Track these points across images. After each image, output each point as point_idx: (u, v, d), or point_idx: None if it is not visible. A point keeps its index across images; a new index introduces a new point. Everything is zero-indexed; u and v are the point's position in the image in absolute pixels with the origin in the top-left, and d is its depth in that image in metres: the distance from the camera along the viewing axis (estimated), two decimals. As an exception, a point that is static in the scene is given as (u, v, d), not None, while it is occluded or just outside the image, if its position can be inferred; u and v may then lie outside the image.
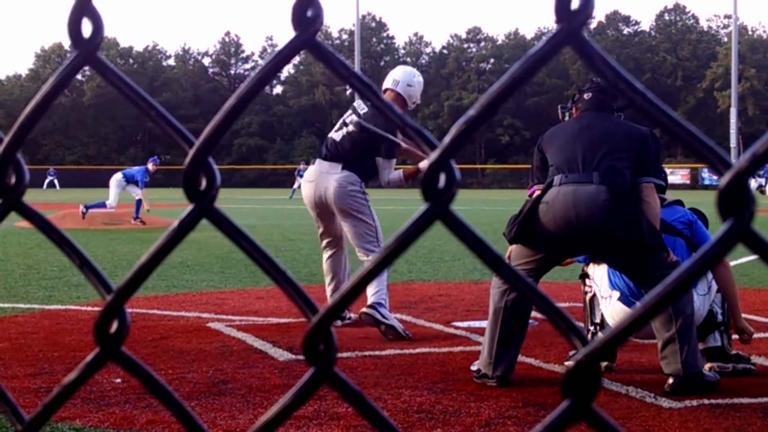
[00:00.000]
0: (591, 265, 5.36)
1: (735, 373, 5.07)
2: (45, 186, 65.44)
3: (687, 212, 5.43)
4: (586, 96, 5.24)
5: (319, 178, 6.75)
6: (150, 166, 20.24)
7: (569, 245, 4.89)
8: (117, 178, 20.18)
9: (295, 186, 43.96)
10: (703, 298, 5.08)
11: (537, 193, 4.99)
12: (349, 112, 6.89)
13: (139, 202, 20.08)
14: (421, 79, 7.02)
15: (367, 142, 6.62)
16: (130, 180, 20.11)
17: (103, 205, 19.95)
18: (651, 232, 4.72)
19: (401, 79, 6.87)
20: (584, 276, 5.41)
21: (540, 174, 5.14)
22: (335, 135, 6.85)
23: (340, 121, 6.94)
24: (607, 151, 4.88)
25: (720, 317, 5.17)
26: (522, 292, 0.58)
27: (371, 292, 6.40)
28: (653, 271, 4.76)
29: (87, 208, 19.86)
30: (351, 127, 6.64)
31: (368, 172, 6.79)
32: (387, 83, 6.96)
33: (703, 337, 5.11)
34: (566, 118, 5.50)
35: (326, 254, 7.07)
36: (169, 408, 0.71)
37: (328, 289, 6.97)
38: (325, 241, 7.02)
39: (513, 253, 5.12)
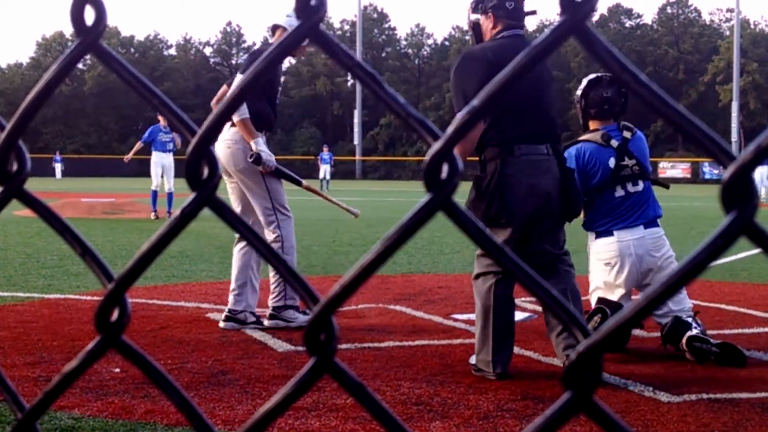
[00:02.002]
0: None
1: (723, 361, 5.08)
2: (59, 174, 63.68)
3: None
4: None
5: (218, 140, 6.26)
6: (161, 120, 18.36)
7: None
8: (152, 160, 18.73)
9: (322, 176, 40.26)
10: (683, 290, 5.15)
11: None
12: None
13: (170, 195, 18.56)
14: None
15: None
16: (160, 149, 18.40)
17: (154, 196, 18.92)
18: None
19: (287, 12, 6.39)
20: None
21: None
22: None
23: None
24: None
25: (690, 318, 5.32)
26: (523, 283, 0.58)
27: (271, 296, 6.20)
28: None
29: (154, 210, 18.87)
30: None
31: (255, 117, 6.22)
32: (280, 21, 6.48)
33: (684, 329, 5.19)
34: None
35: (239, 244, 6.48)
36: (169, 397, 0.71)
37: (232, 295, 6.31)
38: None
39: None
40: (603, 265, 5.49)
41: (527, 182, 4.77)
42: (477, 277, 4.95)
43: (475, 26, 5.04)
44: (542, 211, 4.82)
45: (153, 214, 18.87)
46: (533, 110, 4.83)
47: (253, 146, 6.12)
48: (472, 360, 5.00)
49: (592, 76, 5.70)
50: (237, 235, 6.31)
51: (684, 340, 5.15)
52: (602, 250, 5.50)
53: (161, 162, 18.58)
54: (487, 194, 4.75)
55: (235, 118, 6.04)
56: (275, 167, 6.30)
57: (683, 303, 5.43)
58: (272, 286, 6.24)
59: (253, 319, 6.20)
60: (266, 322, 6.20)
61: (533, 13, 5.05)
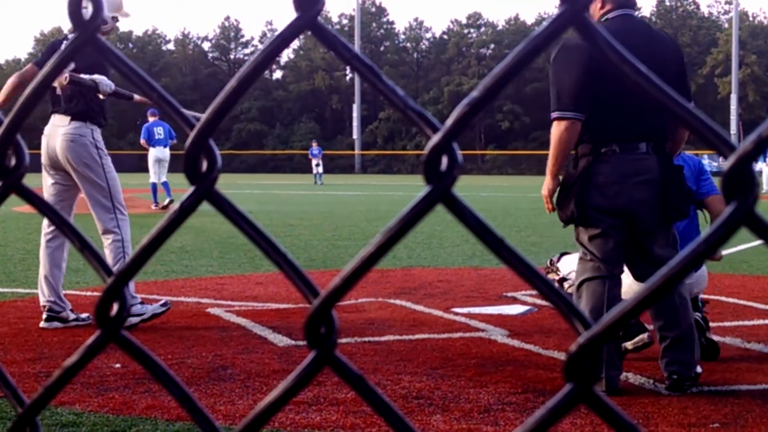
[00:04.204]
0: (561, 264, 5.41)
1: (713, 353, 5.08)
2: None
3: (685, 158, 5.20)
4: None
5: (49, 132, 6.20)
6: (150, 117, 19.49)
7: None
8: (152, 155, 19.49)
9: (316, 170, 42.28)
10: (704, 267, 5.11)
11: None
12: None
13: (166, 185, 19.30)
14: None
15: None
16: (157, 144, 19.26)
17: (154, 188, 19.48)
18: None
19: None
20: (562, 280, 5.42)
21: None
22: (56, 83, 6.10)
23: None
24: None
25: (699, 302, 5.25)
26: (524, 276, 0.58)
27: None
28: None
29: (156, 202, 19.39)
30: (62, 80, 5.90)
31: (94, 111, 6.16)
32: None
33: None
34: None
35: (47, 237, 6.23)
36: (170, 392, 0.71)
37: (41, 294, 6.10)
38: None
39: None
40: None
41: (616, 185, 4.44)
42: (582, 284, 4.58)
43: None
44: (637, 215, 4.47)
45: (154, 205, 19.25)
46: (634, 104, 4.39)
47: (87, 77, 5.96)
48: None
49: None
50: (47, 223, 6.09)
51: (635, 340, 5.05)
52: None
53: (159, 156, 19.09)
54: (572, 193, 4.51)
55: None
56: (114, 89, 6.16)
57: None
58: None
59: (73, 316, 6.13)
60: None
61: None
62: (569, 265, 5.33)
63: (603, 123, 4.45)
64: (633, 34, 4.46)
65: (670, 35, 4.99)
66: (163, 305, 6.06)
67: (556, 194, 4.71)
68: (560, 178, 4.66)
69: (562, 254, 5.58)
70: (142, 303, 6.08)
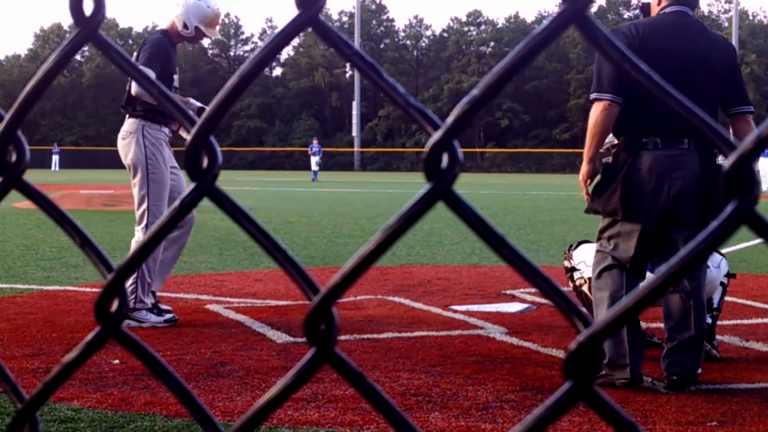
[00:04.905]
0: (575, 253, 5.37)
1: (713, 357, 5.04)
2: (56, 167, 63.27)
3: None
4: None
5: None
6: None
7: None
8: None
9: (314, 167, 43.11)
10: (716, 271, 5.09)
11: None
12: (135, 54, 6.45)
13: None
14: (194, 1, 6.37)
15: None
16: None
17: None
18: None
19: (176, 1, 6.39)
20: (571, 270, 5.39)
21: None
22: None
23: None
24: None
25: (716, 303, 5.17)
26: (525, 274, 0.58)
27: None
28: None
29: None
30: None
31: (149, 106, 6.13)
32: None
33: None
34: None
35: (139, 233, 6.33)
36: (169, 388, 0.71)
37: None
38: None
39: None
40: None
41: (656, 179, 4.41)
42: (600, 274, 4.59)
43: (644, 7, 4.74)
44: (674, 211, 4.45)
45: None
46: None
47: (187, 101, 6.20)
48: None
49: None
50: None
51: None
52: None
53: None
54: (612, 186, 4.48)
55: (145, 95, 5.94)
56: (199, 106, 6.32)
57: None
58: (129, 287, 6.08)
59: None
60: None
61: None
62: (582, 255, 5.31)
63: (644, 115, 4.43)
64: (681, 30, 4.48)
65: (725, 38, 5.00)
66: (167, 321, 6.02)
67: (594, 181, 4.69)
68: (597, 163, 4.65)
69: (581, 242, 5.54)
70: (149, 311, 6.07)
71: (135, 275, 5.95)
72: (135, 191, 6.18)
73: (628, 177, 4.44)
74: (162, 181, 6.14)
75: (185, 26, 6.34)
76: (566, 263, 5.41)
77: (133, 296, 5.95)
